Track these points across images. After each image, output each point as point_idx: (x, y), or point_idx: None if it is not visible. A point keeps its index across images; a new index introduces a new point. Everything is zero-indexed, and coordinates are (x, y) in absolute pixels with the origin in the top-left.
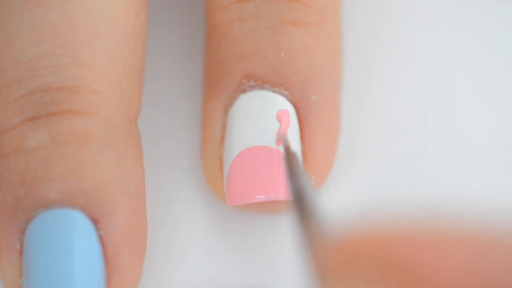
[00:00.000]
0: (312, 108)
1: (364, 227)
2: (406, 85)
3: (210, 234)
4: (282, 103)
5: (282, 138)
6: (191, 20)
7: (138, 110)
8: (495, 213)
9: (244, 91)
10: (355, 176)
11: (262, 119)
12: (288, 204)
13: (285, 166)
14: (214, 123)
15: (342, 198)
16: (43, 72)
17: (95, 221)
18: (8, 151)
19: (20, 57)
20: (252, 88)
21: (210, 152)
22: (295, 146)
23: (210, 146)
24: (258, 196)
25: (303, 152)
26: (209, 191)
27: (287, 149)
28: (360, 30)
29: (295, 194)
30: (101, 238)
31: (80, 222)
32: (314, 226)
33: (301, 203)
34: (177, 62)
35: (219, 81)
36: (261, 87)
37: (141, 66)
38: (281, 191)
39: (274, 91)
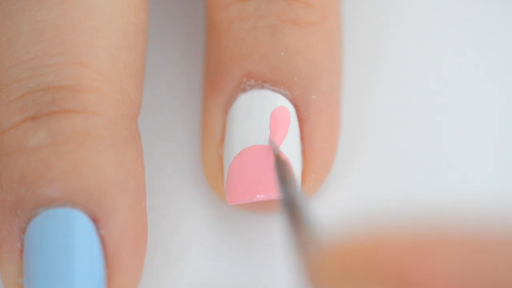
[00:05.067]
0: (312, 107)
1: (356, 234)
2: (406, 85)
3: (210, 234)
4: (282, 103)
5: (272, 147)
6: (191, 20)
7: (138, 109)
8: (491, 212)
9: (244, 90)
10: (355, 176)
11: (262, 118)
12: (280, 211)
13: (276, 174)
14: (214, 122)
15: (342, 197)
16: (44, 71)
17: (95, 220)
18: (9, 150)
19: (20, 56)
20: (252, 87)
21: (210, 151)
22: (295, 145)
23: (211, 145)
24: (258, 195)
25: (303, 152)
26: (209, 191)
27: (278, 158)
28: (361, 30)
29: (287, 202)
30: (101, 237)
31: (80, 221)
32: (306, 234)
33: (292, 211)
34: (177, 61)
35: (219, 80)
36: (261, 86)
37: (141, 65)
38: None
39: (274, 90)
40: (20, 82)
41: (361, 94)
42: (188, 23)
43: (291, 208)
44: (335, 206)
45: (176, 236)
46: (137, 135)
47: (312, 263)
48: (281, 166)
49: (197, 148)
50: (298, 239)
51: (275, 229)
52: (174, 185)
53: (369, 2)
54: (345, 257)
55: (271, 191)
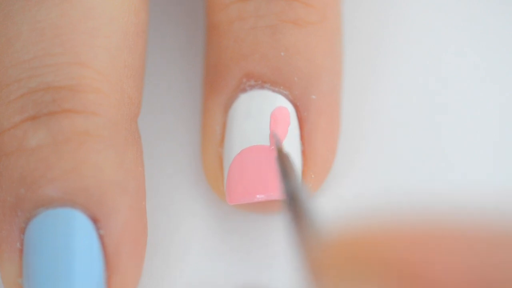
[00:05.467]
0: (312, 107)
1: (359, 227)
2: (406, 85)
3: (210, 234)
4: (282, 103)
5: (274, 139)
6: (191, 20)
7: (139, 109)
8: (494, 208)
9: (244, 90)
10: (355, 176)
11: (262, 118)
12: (282, 205)
13: (278, 167)
14: (214, 122)
15: (342, 197)
16: (44, 71)
17: (95, 220)
18: (9, 150)
19: (20, 56)
20: (252, 87)
21: (210, 151)
22: (295, 145)
23: (211, 145)
24: (258, 196)
25: (303, 152)
26: (209, 191)
27: (280, 151)
28: (361, 30)
29: (289, 195)
30: (101, 237)
31: (80, 222)
32: (308, 227)
33: (294, 204)
34: (177, 61)
35: (219, 81)
36: (261, 86)
37: (141, 65)
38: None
39: (274, 91)
40: (20, 82)
41: (361, 94)
42: (188, 23)
43: (293, 201)
44: (335, 206)
45: (176, 236)
46: (137, 135)
47: (315, 257)
48: (283, 159)
49: (197, 148)
50: (300, 232)
51: (275, 229)
52: (174, 185)
53: (369, 2)
54: (349, 252)
55: (271, 191)
